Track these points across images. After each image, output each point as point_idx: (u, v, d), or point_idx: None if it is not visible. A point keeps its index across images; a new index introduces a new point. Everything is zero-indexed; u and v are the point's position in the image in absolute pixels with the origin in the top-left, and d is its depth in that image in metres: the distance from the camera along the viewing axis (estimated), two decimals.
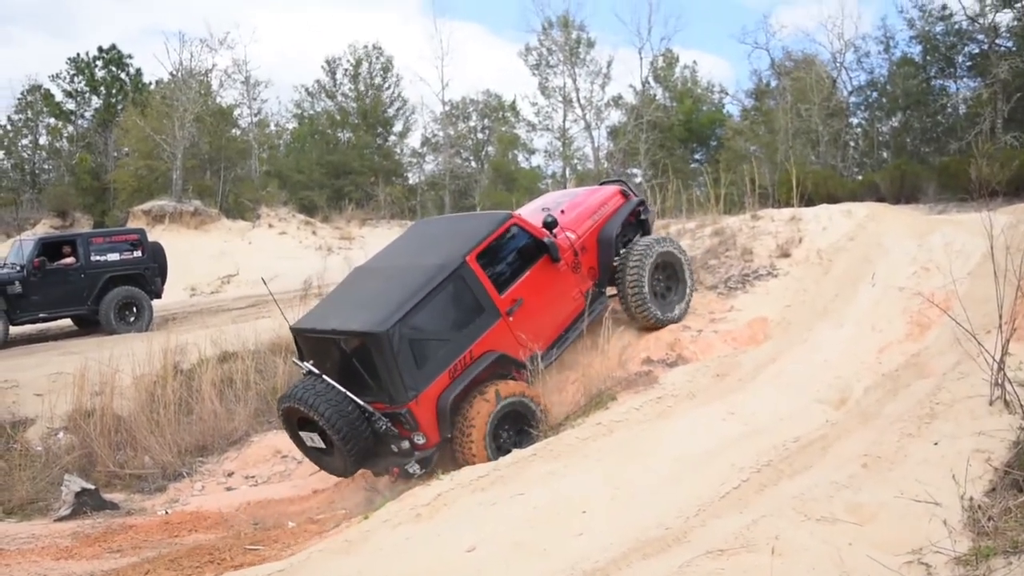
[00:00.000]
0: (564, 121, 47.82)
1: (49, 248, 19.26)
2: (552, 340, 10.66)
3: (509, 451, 9.31)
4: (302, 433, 9.69)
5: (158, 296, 20.38)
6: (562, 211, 11.78)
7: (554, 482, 7.68)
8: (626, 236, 12.10)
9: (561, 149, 48.62)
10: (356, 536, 7.45)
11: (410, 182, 50.77)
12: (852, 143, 40.43)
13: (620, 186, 12.71)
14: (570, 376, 11.00)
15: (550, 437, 9.19)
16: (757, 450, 7.54)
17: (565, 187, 38.96)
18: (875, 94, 40.55)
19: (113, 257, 19.54)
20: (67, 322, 20.37)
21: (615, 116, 48.74)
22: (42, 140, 50.63)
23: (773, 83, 43.34)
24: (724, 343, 11.34)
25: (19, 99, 49.22)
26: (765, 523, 5.88)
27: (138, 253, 19.89)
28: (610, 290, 11.82)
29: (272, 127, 51.53)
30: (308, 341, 9.98)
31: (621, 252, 11.75)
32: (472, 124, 52.06)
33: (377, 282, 10.33)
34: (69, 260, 19.20)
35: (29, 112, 49.56)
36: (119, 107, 46.89)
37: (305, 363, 9.72)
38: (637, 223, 12.38)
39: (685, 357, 11.06)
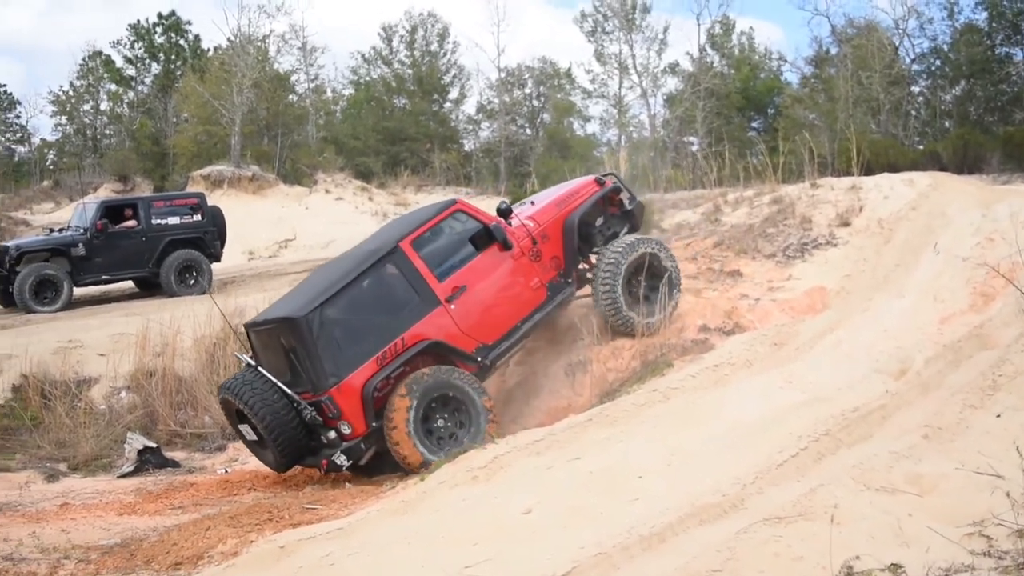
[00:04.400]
0: (620, 88, 47.42)
1: (111, 211, 19.61)
2: (505, 331, 10.16)
3: (445, 439, 9.23)
4: (240, 427, 9.73)
5: (217, 259, 20.62)
6: (532, 202, 11.40)
7: (610, 447, 7.68)
8: (611, 229, 11.33)
9: (617, 117, 48.25)
10: (413, 497, 7.54)
11: (465, 149, 50.74)
12: (914, 112, 39.59)
13: (609, 179, 11.72)
14: (626, 343, 10.98)
15: (604, 405, 9.20)
16: (815, 419, 7.47)
17: (619, 155, 38.72)
18: (938, 62, 39.62)
19: (173, 221, 19.82)
20: (128, 284, 20.72)
21: (671, 83, 48.23)
22: (103, 106, 51.47)
23: (833, 50, 42.55)
24: (782, 312, 11.24)
25: (80, 65, 50.00)
26: (823, 492, 5.82)
27: (198, 217, 20.15)
28: (586, 290, 11.25)
29: (329, 93, 51.94)
30: (256, 337, 10.00)
31: (601, 246, 11.07)
32: (527, 91, 51.66)
33: (321, 275, 10.41)
34: (130, 223, 19.51)
35: (90, 78, 50.30)
36: (178, 73, 47.41)
37: (245, 356, 9.79)
38: (622, 215, 11.56)
39: (742, 325, 10.99)
